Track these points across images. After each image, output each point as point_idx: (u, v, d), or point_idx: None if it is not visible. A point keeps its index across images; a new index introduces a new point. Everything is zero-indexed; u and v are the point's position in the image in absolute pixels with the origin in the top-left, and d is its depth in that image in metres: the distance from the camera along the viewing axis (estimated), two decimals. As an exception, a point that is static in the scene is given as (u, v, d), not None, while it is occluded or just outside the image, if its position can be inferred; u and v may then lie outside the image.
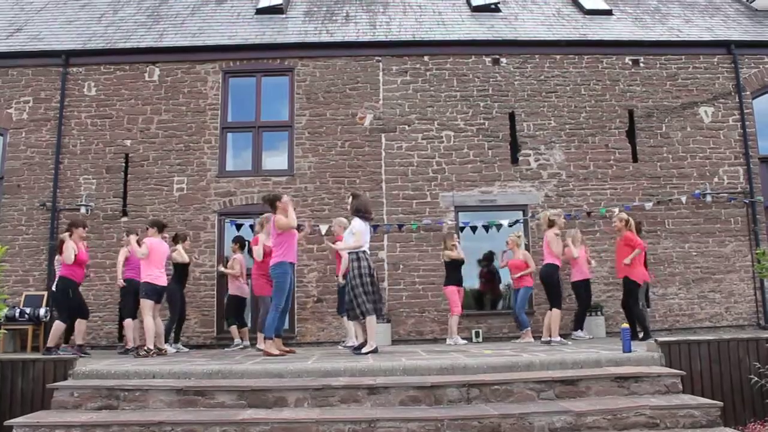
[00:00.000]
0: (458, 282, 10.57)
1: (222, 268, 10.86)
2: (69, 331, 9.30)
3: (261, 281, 9.20)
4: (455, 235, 11.10)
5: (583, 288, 10.66)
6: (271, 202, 8.21)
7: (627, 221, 9.73)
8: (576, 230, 11.13)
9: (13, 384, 6.01)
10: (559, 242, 9.36)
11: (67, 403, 5.54)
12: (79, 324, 9.27)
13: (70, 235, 9.06)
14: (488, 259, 12.53)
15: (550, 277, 9.32)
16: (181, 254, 10.07)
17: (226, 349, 10.33)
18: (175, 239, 10.35)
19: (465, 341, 10.49)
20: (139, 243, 9.38)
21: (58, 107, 12.62)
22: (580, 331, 10.79)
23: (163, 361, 7.36)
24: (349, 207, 8.39)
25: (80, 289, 9.36)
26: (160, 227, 9.44)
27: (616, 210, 12.06)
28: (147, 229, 9.54)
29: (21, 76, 12.82)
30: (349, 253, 8.01)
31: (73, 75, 12.83)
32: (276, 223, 8.00)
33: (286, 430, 4.92)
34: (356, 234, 7.86)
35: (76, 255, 8.84)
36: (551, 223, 9.40)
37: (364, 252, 7.89)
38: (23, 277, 11.90)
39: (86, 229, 9.59)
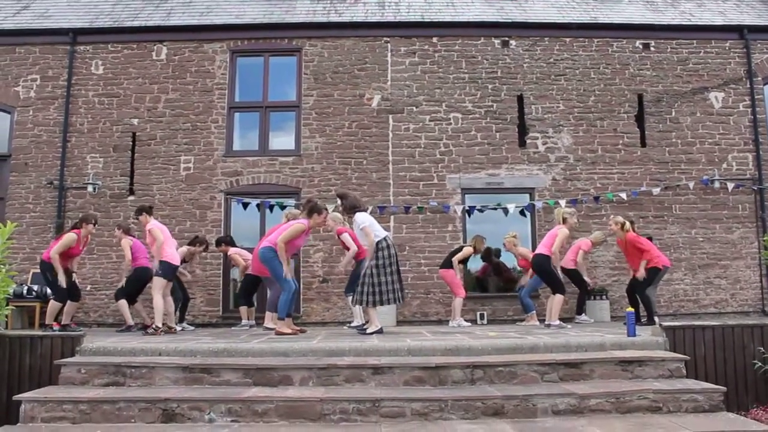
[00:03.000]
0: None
1: (238, 276, 10.97)
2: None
3: (258, 262, 9.13)
4: (484, 240, 10.92)
5: (574, 275, 10.65)
6: (309, 211, 8.18)
7: (623, 224, 9.71)
8: (601, 233, 11.20)
9: (21, 360, 6.06)
10: (564, 243, 9.39)
11: (74, 379, 5.59)
12: (68, 305, 9.21)
13: (78, 228, 9.05)
14: (490, 254, 12.35)
15: (541, 266, 9.33)
16: (182, 252, 10.05)
17: (232, 328, 10.39)
18: (193, 241, 10.41)
19: (468, 323, 10.52)
20: (130, 234, 9.77)
21: (65, 85, 12.61)
22: (583, 315, 10.82)
23: (169, 339, 7.40)
24: (342, 209, 8.37)
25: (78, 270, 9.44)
26: (149, 210, 9.32)
27: (624, 195, 12.06)
28: (137, 218, 9.42)
29: (28, 54, 12.81)
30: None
31: (80, 53, 12.81)
32: (282, 236, 8.00)
33: (290, 408, 4.95)
34: (365, 230, 7.82)
35: (71, 247, 8.87)
36: (564, 221, 9.39)
37: (386, 238, 7.86)
38: (30, 255, 11.96)
39: (96, 226, 9.50)
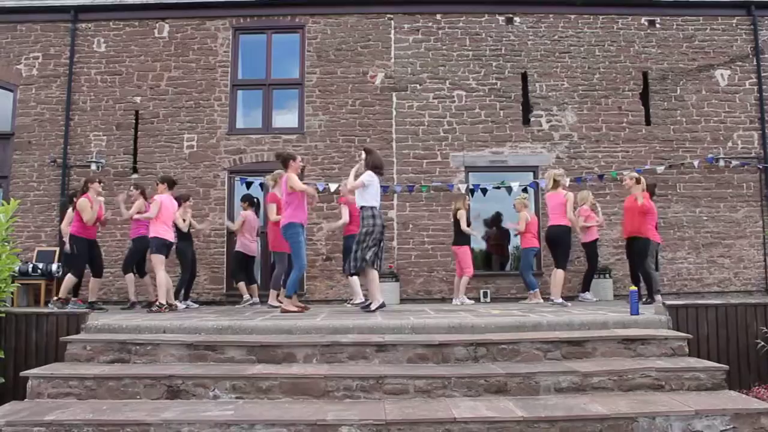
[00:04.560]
0: (470, 242, 10.62)
1: (228, 222, 10.91)
2: (78, 285, 9.43)
3: (277, 234, 9.04)
4: (467, 198, 11.04)
5: (592, 249, 10.67)
6: (285, 160, 8.20)
7: (638, 180, 9.52)
8: (587, 191, 11.08)
9: (27, 337, 6.09)
10: (571, 203, 9.28)
11: (80, 356, 5.63)
12: (92, 282, 9.39)
13: (86, 192, 9.09)
14: (496, 220, 12.53)
15: (553, 237, 9.29)
16: (182, 219, 9.98)
17: (236, 305, 10.44)
18: (177, 201, 10.36)
19: (472, 301, 10.55)
20: (146, 197, 9.79)
21: (67, 63, 12.58)
22: (588, 293, 10.82)
23: (174, 317, 7.44)
24: (363, 162, 8.30)
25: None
26: (171, 184, 9.43)
27: (626, 173, 11.98)
28: (157, 185, 9.52)
29: (30, 31, 12.75)
30: (362, 209, 7.98)
31: (82, 31, 12.75)
32: (289, 181, 7.99)
33: (295, 385, 4.98)
34: (358, 183, 7.92)
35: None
36: (556, 184, 9.33)
37: (375, 208, 7.89)
38: (35, 233, 12.01)
39: (102, 184, 9.58)
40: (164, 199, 9.03)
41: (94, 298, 9.53)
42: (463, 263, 10.41)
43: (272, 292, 9.34)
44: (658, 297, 8.72)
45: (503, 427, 4.37)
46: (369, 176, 7.94)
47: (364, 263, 7.83)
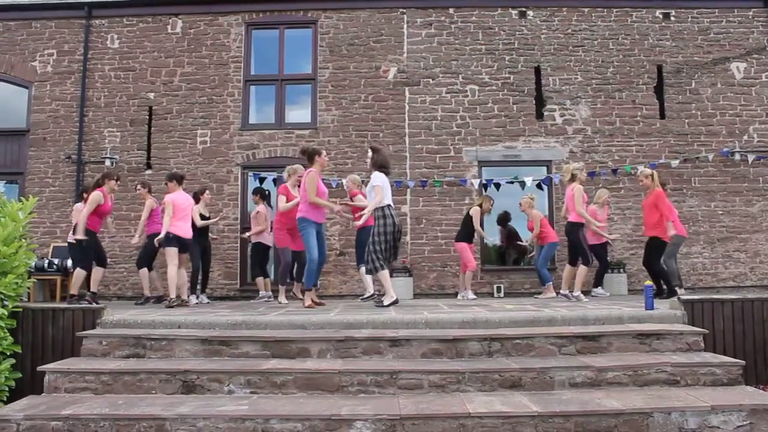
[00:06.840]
0: (471, 239, 10.57)
1: (247, 234, 10.80)
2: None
3: (282, 233, 9.19)
4: (492, 200, 10.91)
5: (601, 248, 10.60)
6: (310, 156, 8.10)
7: (653, 175, 9.29)
8: (604, 190, 11.02)
9: (43, 332, 6.14)
10: (583, 198, 9.22)
11: (95, 350, 5.68)
12: (95, 272, 9.37)
13: (101, 186, 9.10)
14: (505, 218, 12.42)
15: (569, 235, 9.20)
16: (197, 215, 10.00)
17: (251, 301, 10.46)
18: (195, 197, 10.34)
19: (475, 296, 10.53)
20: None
21: (81, 60, 12.66)
22: (600, 288, 10.78)
23: (188, 312, 7.48)
24: (369, 162, 8.25)
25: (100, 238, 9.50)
26: (179, 179, 9.39)
27: (641, 167, 11.90)
28: (166, 183, 9.49)
29: (44, 28, 12.84)
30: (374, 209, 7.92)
31: (95, 27, 12.82)
32: (308, 188, 7.89)
33: (309, 380, 5.00)
34: (376, 188, 7.77)
35: (100, 205, 8.88)
36: (573, 177, 9.24)
37: (389, 207, 7.79)
38: (50, 229, 12.11)
39: (118, 182, 9.47)
40: (174, 198, 9.01)
41: (95, 288, 9.47)
42: (464, 259, 10.42)
43: (281, 288, 9.36)
44: (681, 291, 8.67)
45: (518, 422, 4.37)
46: (379, 179, 7.82)
47: (378, 269, 7.71)
